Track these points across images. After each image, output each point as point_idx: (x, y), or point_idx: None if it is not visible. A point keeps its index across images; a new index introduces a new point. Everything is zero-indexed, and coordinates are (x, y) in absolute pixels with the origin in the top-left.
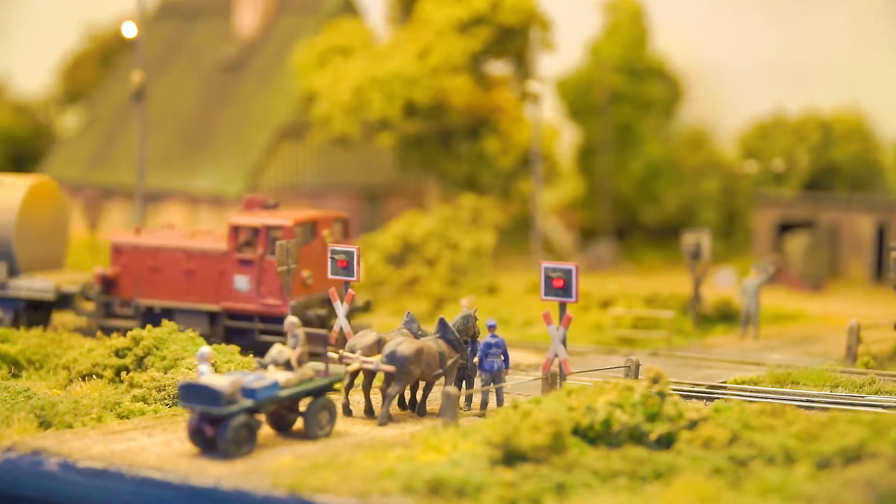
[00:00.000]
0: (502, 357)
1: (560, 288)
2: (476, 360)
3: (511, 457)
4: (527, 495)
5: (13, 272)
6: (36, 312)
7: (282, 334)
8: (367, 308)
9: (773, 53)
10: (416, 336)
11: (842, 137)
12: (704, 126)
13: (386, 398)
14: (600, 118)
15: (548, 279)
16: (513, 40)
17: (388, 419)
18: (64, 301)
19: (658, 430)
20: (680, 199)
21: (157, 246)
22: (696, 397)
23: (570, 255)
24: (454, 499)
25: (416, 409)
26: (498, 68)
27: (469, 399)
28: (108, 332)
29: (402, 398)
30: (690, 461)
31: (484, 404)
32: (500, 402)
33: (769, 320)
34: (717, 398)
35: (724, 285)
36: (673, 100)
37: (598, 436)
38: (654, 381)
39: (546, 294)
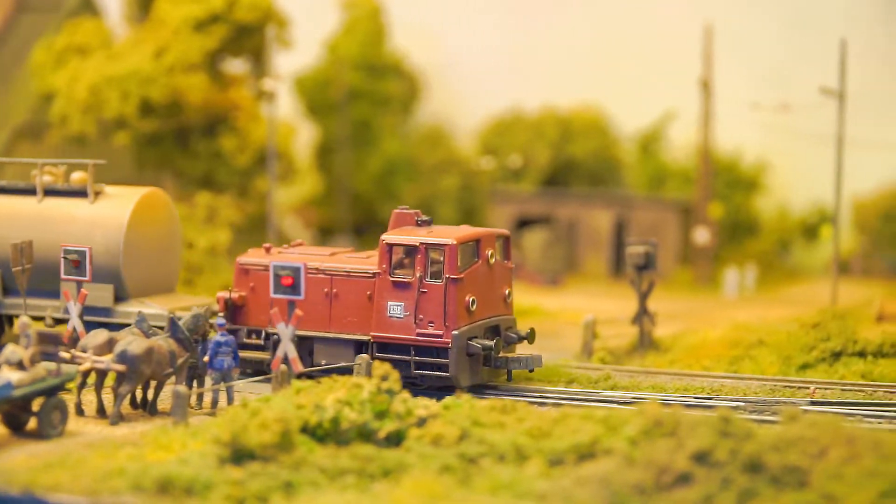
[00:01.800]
0: (232, 355)
1: (289, 286)
2: (206, 358)
3: (239, 455)
4: (254, 493)
5: (120, 297)
6: None
7: (440, 368)
8: (530, 338)
9: (512, 51)
10: (147, 335)
11: (580, 133)
12: (443, 123)
13: (117, 397)
14: (338, 115)
15: (276, 277)
16: (250, 38)
17: (119, 418)
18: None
19: (387, 427)
20: (418, 196)
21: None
22: (427, 395)
23: None
24: (183, 497)
25: (147, 408)
26: (235, 66)
27: (200, 398)
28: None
29: (133, 397)
30: (419, 459)
31: (214, 403)
32: (230, 400)
33: None
34: (450, 395)
35: None
36: (411, 97)
37: (326, 434)
38: (384, 378)
39: (275, 292)
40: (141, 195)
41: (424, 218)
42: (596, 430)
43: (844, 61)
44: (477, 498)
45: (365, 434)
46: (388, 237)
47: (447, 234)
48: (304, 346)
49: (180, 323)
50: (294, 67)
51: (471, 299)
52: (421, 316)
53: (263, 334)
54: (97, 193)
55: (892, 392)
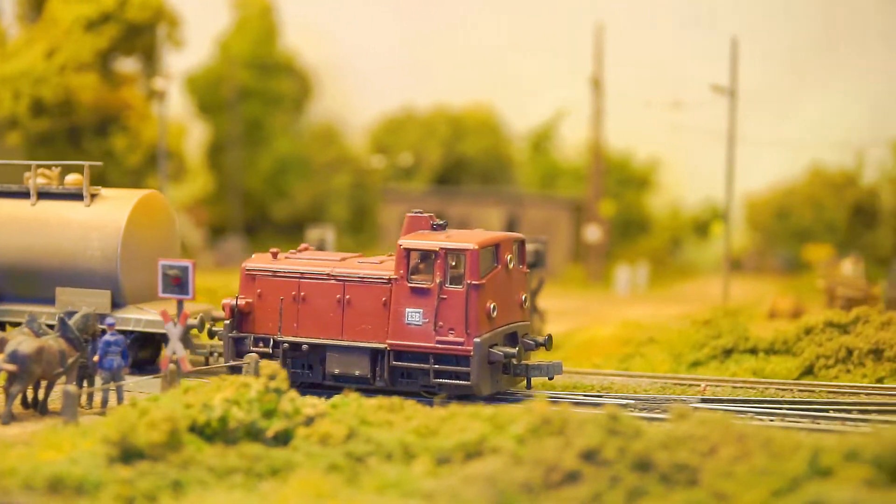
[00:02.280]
0: (121, 355)
1: (177, 285)
2: (96, 358)
3: (129, 454)
4: (144, 492)
5: (118, 303)
6: (143, 349)
7: (460, 377)
8: (548, 345)
9: (404, 49)
10: (38, 335)
11: (472, 132)
12: (335, 121)
13: (8, 397)
14: (230, 114)
15: (165, 276)
16: (141, 37)
17: (10, 418)
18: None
19: (274, 426)
20: (310, 195)
21: (301, 272)
22: (315, 394)
23: (199, 251)
24: (73, 496)
25: (38, 407)
26: (127, 65)
27: (90, 397)
28: (240, 372)
29: (24, 397)
30: (307, 458)
31: (104, 402)
32: (120, 399)
33: None
34: (337, 394)
35: None
36: (303, 96)
37: (215, 433)
38: (271, 377)
39: (163, 291)
40: (138, 198)
41: (440, 222)
42: (483, 429)
43: (736, 59)
44: (364, 497)
45: (253, 433)
46: (405, 242)
47: (467, 239)
48: (316, 354)
49: (70, 322)
50: (185, 66)
51: (492, 306)
52: (441, 323)
53: (272, 342)
54: (93, 196)
55: (783, 389)
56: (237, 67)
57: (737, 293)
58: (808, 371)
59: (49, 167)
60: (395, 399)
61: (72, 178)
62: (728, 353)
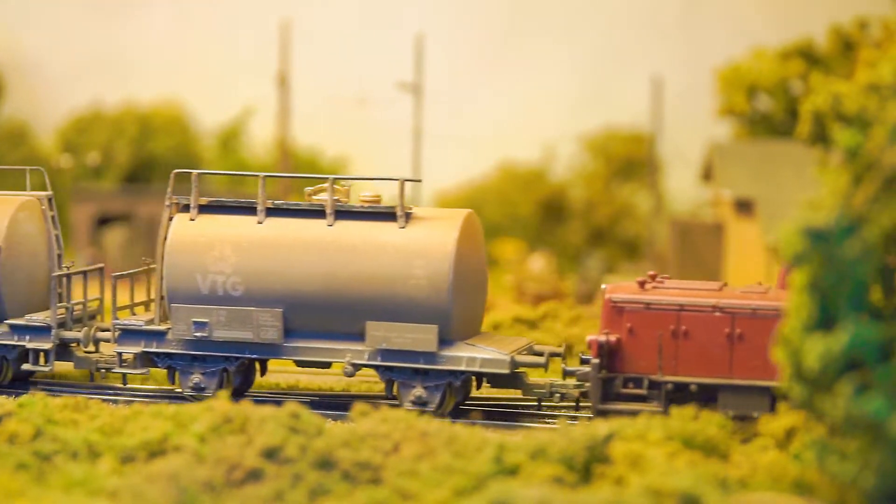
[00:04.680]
0: None
1: None
2: None
3: None
4: None
5: (444, 340)
6: (463, 388)
7: None
8: None
9: (93, 46)
10: None
11: (161, 130)
12: (25, 120)
13: None
14: None
15: None
16: None
17: None
18: (513, 375)
19: None
20: None
21: (681, 304)
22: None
23: None
24: None
25: None
26: None
27: None
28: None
29: None
30: None
31: None
32: None
33: None
34: (23, 394)
35: None
36: None
37: None
38: None
39: None
40: (464, 217)
41: None
42: (165, 427)
43: (421, 56)
44: (51, 495)
45: None
46: None
47: None
48: (702, 395)
49: None
50: None
51: None
52: None
53: (646, 382)
54: (407, 216)
55: None
56: None
57: None
58: None
59: (340, 183)
60: (81, 398)
61: (370, 195)
62: None
